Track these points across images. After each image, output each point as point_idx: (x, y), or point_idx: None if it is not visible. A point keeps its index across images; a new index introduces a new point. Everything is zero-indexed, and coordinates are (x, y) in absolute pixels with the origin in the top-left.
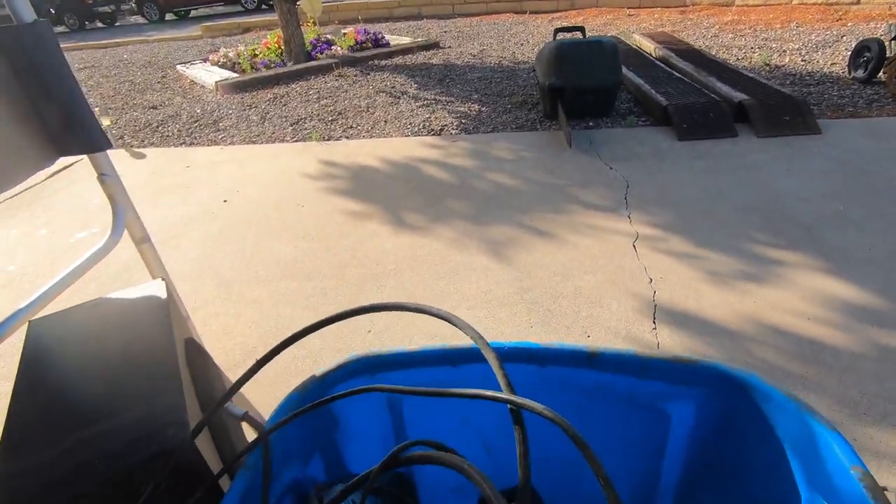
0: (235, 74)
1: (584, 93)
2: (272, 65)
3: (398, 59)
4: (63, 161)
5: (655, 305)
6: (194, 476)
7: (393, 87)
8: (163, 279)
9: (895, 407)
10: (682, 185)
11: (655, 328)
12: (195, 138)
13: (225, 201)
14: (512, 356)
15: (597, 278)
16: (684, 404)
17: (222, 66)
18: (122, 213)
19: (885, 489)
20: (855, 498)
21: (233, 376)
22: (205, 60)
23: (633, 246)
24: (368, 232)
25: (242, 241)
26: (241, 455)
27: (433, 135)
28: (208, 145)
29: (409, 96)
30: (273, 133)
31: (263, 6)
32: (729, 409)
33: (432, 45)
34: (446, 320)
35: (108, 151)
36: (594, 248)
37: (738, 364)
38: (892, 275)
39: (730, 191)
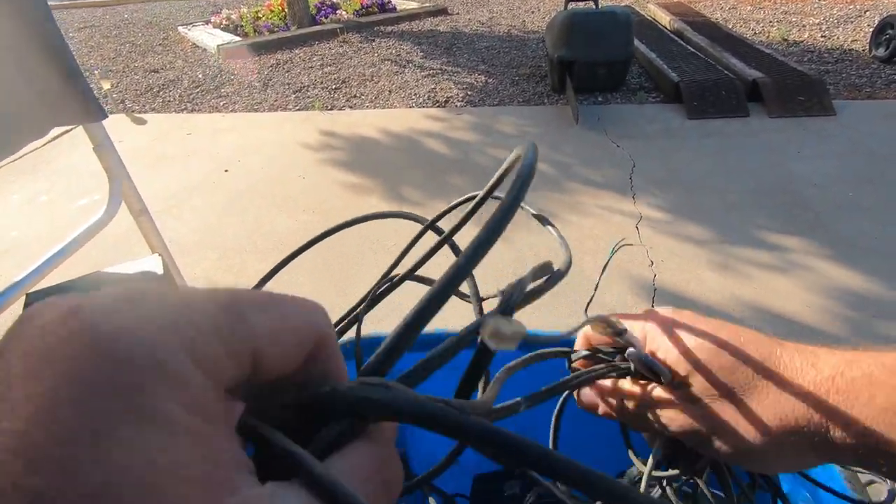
0: (238, 38)
1: (594, 66)
2: (275, 28)
3: (404, 26)
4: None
5: (655, 289)
6: None
7: (398, 56)
8: (160, 255)
9: None
10: (690, 165)
11: None
12: (197, 104)
13: (226, 171)
14: None
15: (598, 260)
16: None
17: (224, 28)
18: (119, 185)
19: (871, 482)
20: (835, 486)
21: None
22: (207, 22)
23: (637, 227)
24: (370, 206)
25: (244, 212)
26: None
27: (438, 106)
28: (210, 112)
29: (415, 65)
30: (275, 101)
31: None
32: None
33: (440, 12)
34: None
35: (110, 117)
36: (597, 229)
37: None
38: None
39: (738, 173)
